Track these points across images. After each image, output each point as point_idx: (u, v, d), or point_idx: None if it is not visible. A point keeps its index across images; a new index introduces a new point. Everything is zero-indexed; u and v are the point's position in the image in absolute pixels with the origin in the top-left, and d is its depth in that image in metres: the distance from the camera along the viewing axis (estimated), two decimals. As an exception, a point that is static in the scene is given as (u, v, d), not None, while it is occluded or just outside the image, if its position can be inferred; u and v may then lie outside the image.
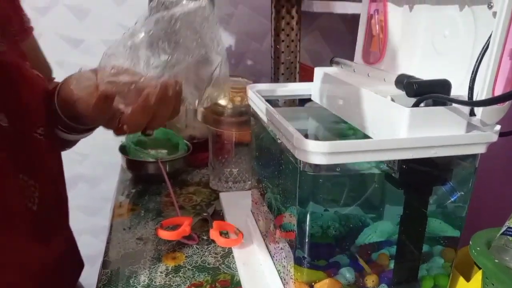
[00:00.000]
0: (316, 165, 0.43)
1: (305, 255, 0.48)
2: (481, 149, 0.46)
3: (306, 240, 0.48)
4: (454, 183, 0.49)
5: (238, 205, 0.77)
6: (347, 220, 0.52)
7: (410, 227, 0.49)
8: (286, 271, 0.54)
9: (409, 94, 0.46)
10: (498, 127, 0.45)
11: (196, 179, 0.91)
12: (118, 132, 0.52)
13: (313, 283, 0.50)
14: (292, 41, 1.00)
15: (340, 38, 1.32)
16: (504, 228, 0.46)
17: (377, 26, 0.62)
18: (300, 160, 0.44)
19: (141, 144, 0.91)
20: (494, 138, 0.45)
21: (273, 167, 0.58)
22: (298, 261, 0.50)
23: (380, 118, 0.47)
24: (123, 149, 0.90)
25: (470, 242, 0.47)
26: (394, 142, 0.43)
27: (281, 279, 0.56)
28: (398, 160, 0.46)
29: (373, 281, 0.52)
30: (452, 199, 0.51)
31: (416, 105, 0.45)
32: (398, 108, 0.44)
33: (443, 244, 0.54)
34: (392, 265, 0.53)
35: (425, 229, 0.50)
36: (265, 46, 1.28)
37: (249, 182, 0.87)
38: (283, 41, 0.99)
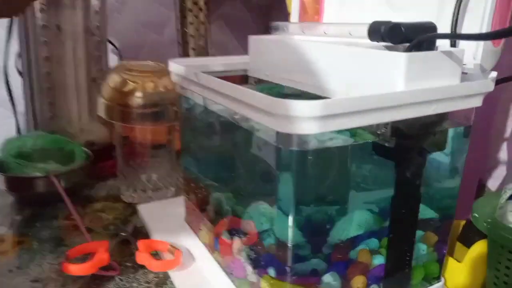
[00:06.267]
0: (302, 138, 0.32)
1: (288, 264, 0.36)
2: (478, 102, 0.38)
3: (289, 244, 0.35)
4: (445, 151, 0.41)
5: (165, 217, 0.61)
6: (326, 210, 0.40)
7: (403, 208, 0.40)
8: (255, 289, 0.41)
9: (395, 40, 0.37)
10: (494, 74, 0.38)
11: (102, 193, 0.73)
12: None
13: (295, 299, 0.38)
14: (202, 23, 0.87)
15: (246, 28, 1.23)
16: (509, 192, 0.39)
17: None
18: (279, 134, 0.31)
19: (22, 157, 0.70)
20: (491, 86, 0.38)
21: (223, 157, 0.45)
22: (278, 272, 0.37)
23: (362, 75, 0.37)
24: (-2, 165, 0.68)
25: (474, 214, 0.40)
26: (407, 94, 0.33)
27: (247, 301, 0.42)
28: (391, 124, 0.36)
29: (359, 286, 0.42)
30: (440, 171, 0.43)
31: (409, 51, 0.36)
32: (390, 56, 0.35)
33: (423, 229, 0.46)
34: (375, 261, 0.43)
35: (419, 209, 0.41)
36: (166, 37, 1.12)
37: (173, 189, 0.71)
38: (191, 23, 0.86)
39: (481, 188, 0.69)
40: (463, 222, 0.49)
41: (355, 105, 0.30)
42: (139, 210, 0.65)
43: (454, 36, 0.36)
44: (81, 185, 0.73)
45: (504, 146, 0.64)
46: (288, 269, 0.36)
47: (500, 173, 0.66)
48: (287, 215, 0.34)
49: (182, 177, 0.56)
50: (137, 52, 1.11)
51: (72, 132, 0.81)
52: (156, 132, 0.69)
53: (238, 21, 1.23)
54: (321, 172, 0.35)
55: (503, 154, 0.65)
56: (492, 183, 0.68)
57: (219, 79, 0.37)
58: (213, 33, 1.18)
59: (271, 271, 0.38)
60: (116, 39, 1.04)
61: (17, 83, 0.82)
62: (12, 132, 0.85)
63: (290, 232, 0.35)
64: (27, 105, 0.81)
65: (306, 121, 0.30)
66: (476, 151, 0.63)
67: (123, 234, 0.58)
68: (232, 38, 1.23)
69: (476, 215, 0.39)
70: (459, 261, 0.46)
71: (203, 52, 0.88)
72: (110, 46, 1.02)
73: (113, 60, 1.03)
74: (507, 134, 0.63)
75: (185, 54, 0.87)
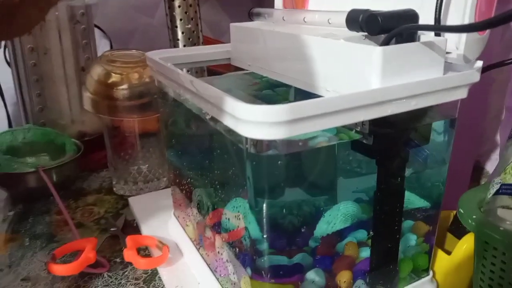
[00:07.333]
0: (270, 142, 0.30)
1: (265, 265, 0.35)
2: (463, 94, 0.36)
3: (264, 248, 0.35)
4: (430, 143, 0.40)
5: (156, 209, 0.61)
6: (302, 208, 0.39)
7: (387, 202, 0.39)
8: (237, 289, 0.40)
9: (372, 31, 0.35)
10: (480, 63, 0.36)
11: (95, 185, 0.73)
12: None
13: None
14: (190, 5, 0.84)
15: (239, 6, 1.19)
16: (496, 187, 0.38)
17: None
18: (247, 139, 0.30)
19: (13, 151, 0.70)
20: (477, 77, 0.36)
21: (200, 154, 0.44)
22: (255, 274, 0.36)
23: (337, 69, 0.36)
24: (-13, 161, 0.68)
25: (460, 209, 0.39)
26: (380, 92, 0.31)
27: (231, 299, 0.42)
28: (369, 121, 0.34)
29: (345, 281, 0.41)
30: (425, 163, 0.41)
31: (386, 43, 0.34)
32: (364, 50, 0.33)
33: (413, 218, 0.45)
34: (363, 254, 0.42)
35: (403, 202, 0.40)
36: (158, 20, 1.10)
37: (165, 179, 0.71)
38: (179, 6, 0.83)
39: (478, 170, 0.67)
40: (453, 213, 0.48)
41: (324, 107, 0.29)
42: (130, 203, 0.65)
43: (434, 28, 0.33)
44: (73, 178, 0.73)
45: (499, 127, 0.62)
46: (264, 269, 0.35)
47: (497, 155, 0.64)
48: (257, 211, 0.33)
49: (168, 170, 0.55)
50: (128, 36, 1.08)
51: (63, 123, 0.80)
52: (145, 121, 0.68)
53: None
54: (296, 167, 0.34)
55: (498, 136, 0.63)
56: (490, 165, 0.66)
57: (187, 75, 0.35)
58: (206, 13, 1.15)
59: (249, 271, 0.37)
60: (106, 24, 1.01)
61: (8, 74, 0.81)
62: (3, 124, 0.85)
63: (258, 229, 0.34)
64: (17, 97, 0.80)
65: (274, 126, 0.28)
66: (472, 133, 0.61)
67: (112, 229, 0.58)
68: (226, 17, 1.20)
69: (462, 210, 0.38)
70: (449, 252, 0.45)
71: (193, 35, 0.85)
72: (100, 32, 1.00)
73: (104, 46, 1.02)
74: (502, 116, 0.61)
75: (174, 38, 0.84)
